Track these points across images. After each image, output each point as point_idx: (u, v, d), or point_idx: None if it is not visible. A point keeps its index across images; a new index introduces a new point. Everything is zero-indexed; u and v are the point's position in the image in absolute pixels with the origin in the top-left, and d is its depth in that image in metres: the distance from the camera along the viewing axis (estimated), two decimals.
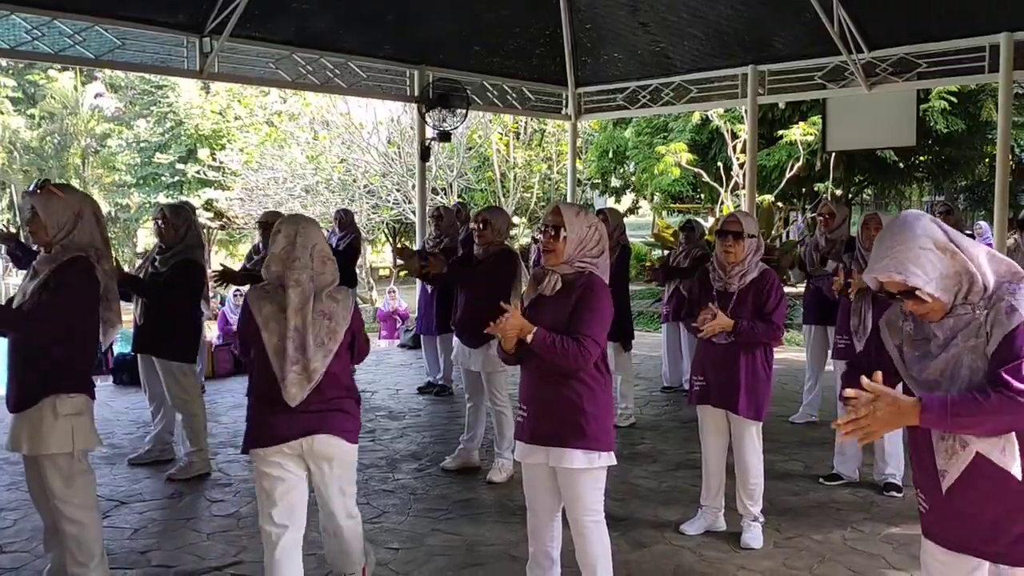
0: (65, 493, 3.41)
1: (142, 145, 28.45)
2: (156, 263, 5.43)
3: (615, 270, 6.64)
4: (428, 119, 10.44)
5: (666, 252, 14.09)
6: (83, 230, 3.45)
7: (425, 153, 10.90)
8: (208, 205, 27.00)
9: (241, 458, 5.87)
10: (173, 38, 8.59)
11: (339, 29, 9.56)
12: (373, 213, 22.04)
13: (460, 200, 17.09)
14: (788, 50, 10.05)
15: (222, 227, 29.08)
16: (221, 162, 24.66)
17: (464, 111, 10.67)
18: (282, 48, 9.29)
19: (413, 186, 21.44)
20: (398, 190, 21.45)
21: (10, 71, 34.99)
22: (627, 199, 31.55)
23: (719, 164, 15.49)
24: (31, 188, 3.44)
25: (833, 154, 13.99)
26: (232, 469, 5.62)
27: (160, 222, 5.44)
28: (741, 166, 14.32)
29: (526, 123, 22.16)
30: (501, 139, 22.45)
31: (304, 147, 21.64)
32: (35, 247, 6.40)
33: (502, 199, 22.49)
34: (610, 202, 36.36)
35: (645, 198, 33.31)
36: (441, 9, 9.99)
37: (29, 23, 7.70)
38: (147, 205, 27.77)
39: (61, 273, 3.35)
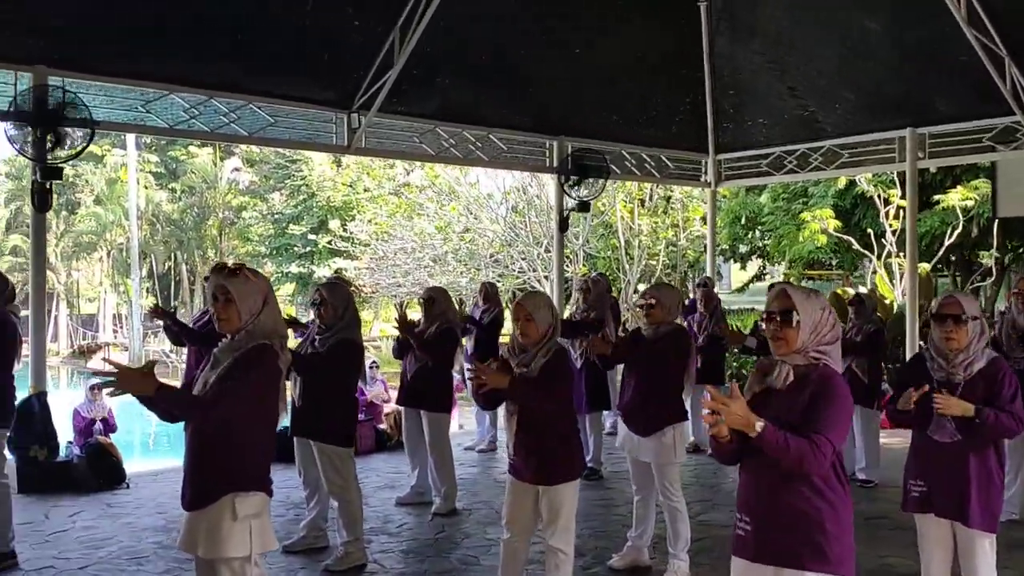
0: None
1: (276, 217, 29.48)
2: (315, 343, 5.29)
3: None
4: (567, 189, 10.26)
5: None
6: (268, 315, 3.28)
7: (563, 223, 10.69)
8: (338, 275, 27.66)
9: (396, 548, 5.61)
10: (322, 114, 8.72)
11: (481, 103, 9.55)
12: (498, 281, 22.01)
13: (600, 272, 16.69)
14: (952, 111, 9.46)
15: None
16: (351, 233, 25.23)
17: (603, 181, 10.45)
18: (426, 122, 9.32)
19: (538, 255, 21.39)
20: (523, 258, 21.39)
21: (153, 148, 37.12)
22: (753, 266, 30.66)
23: (866, 230, 14.71)
24: (223, 270, 3.27)
25: (996, 220, 13.09)
26: (388, 560, 5.35)
27: (318, 303, 5.30)
28: (894, 233, 13.55)
29: (652, 190, 21.84)
30: (625, 206, 22.19)
31: (432, 218, 21.89)
32: (203, 326, 6.41)
33: (626, 267, 22.13)
34: (734, 268, 35.48)
35: (773, 264, 32.28)
36: (582, 81, 9.89)
37: (187, 102, 7.92)
38: (280, 275, 28.59)
39: (246, 362, 3.16)
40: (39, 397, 6.99)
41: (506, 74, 9.39)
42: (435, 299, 6.64)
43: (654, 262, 22.82)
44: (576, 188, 10.11)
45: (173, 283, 37.71)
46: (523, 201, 21.31)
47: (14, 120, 6.84)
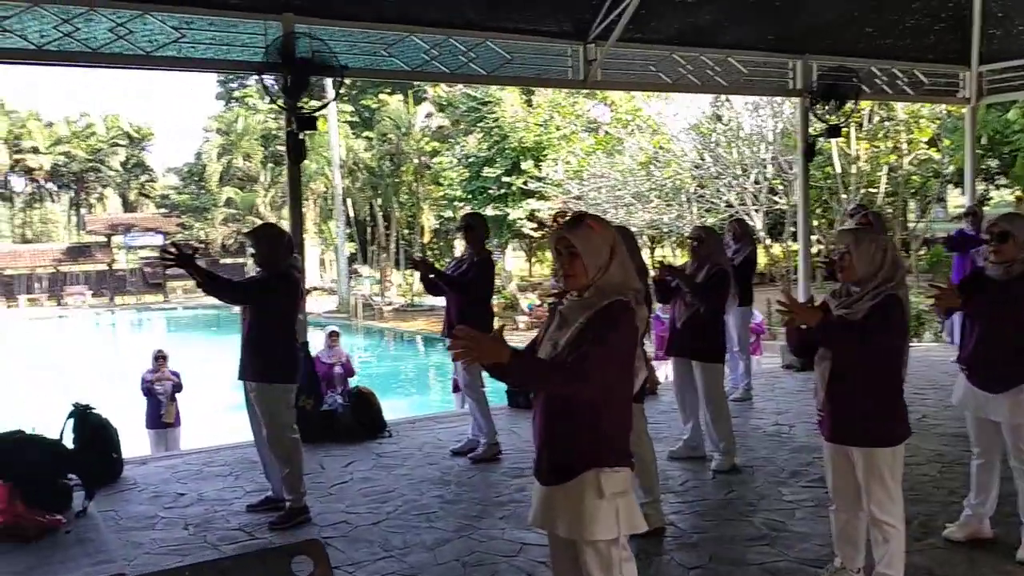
0: None
1: (470, 160, 29.64)
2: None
3: None
4: (815, 113, 9.41)
5: None
6: (617, 268, 2.89)
7: (810, 151, 9.82)
8: (531, 216, 27.56)
9: (687, 510, 5.22)
10: (557, 47, 8.30)
11: (722, 22, 8.80)
12: (704, 218, 21.15)
13: (861, 204, 15.25)
14: None
15: (543, 236, 29.64)
16: (545, 173, 24.98)
17: (853, 102, 9.51)
18: (662, 49, 8.71)
19: (748, 187, 20.31)
20: (730, 190, 20.40)
21: (346, 97, 38.21)
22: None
23: None
24: (569, 221, 2.91)
25: None
26: (684, 523, 4.97)
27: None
28: None
29: (872, 110, 20.14)
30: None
31: (635, 153, 21.21)
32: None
33: (842, 196, 20.69)
34: (954, 194, 32.80)
35: (998, 188, 29.48)
36: None
37: (426, 43, 7.69)
38: None
39: (604, 322, 2.79)
40: (303, 347, 7.05)
41: None
42: (703, 239, 6.12)
43: (873, 190, 21.23)
44: (827, 111, 9.25)
45: (369, 229, 38.98)
46: (729, 131, 20.23)
47: (269, 71, 6.81)
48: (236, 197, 40.68)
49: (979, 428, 4.49)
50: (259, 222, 38.51)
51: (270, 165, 39.78)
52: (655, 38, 8.51)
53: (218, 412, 13.70)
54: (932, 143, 20.27)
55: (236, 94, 44.32)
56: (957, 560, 4.34)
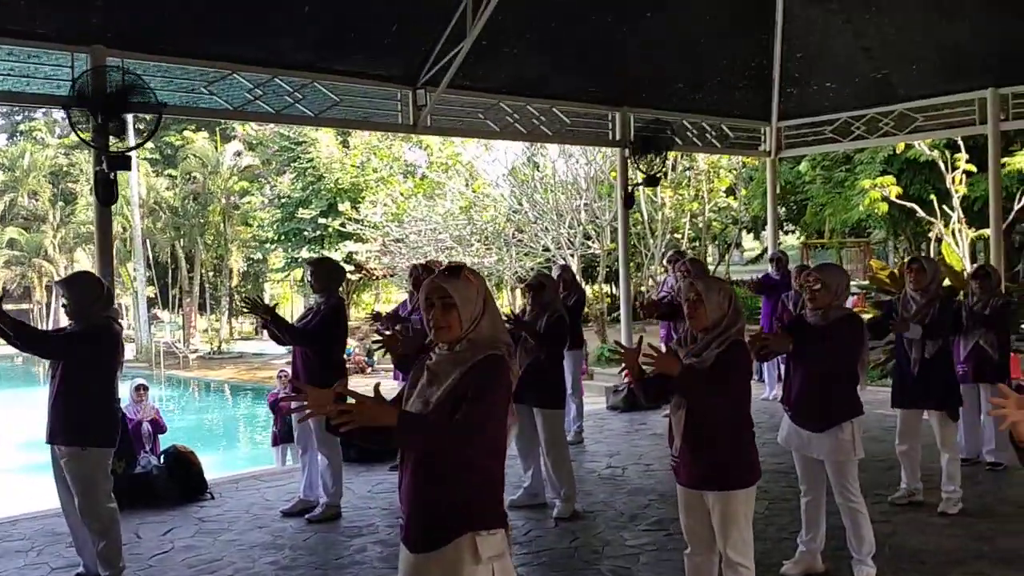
0: None
1: (283, 201, 28.79)
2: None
3: (943, 324, 5.77)
4: (633, 163, 9.82)
5: (889, 298, 12.94)
6: (488, 320, 2.79)
7: (629, 199, 10.20)
8: (349, 258, 27.04)
9: (534, 561, 5.14)
10: (386, 91, 8.21)
11: (548, 74, 9.04)
12: (522, 261, 21.53)
13: (676, 248, 15.54)
14: None
15: (360, 279, 29.17)
16: (364, 215, 24.64)
17: (662, 154, 10.01)
18: (490, 97, 8.82)
19: (563, 232, 20.86)
20: (547, 234, 20.88)
21: (145, 132, 36.22)
22: (765, 236, 30.45)
23: (927, 197, 14.19)
24: (446, 270, 2.77)
25: None
26: (533, 574, 4.89)
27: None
28: (964, 199, 13.11)
29: (677, 160, 21.30)
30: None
31: (456, 198, 21.33)
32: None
33: (650, 241, 21.68)
34: (748, 239, 35.09)
35: (786, 234, 31.83)
36: (650, 47, 9.35)
37: (250, 82, 7.38)
38: (290, 260, 27.94)
39: (479, 377, 2.67)
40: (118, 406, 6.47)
41: (573, 43, 8.86)
42: (545, 286, 6.15)
43: (678, 235, 22.37)
44: (643, 161, 9.66)
45: (171, 271, 36.91)
46: (544, 177, 20.77)
47: (76, 106, 6.27)
48: (20, 238, 37.43)
49: (804, 466, 4.71)
50: (47, 265, 35.69)
51: (60, 204, 36.97)
52: (483, 86, 8.61)
53: (14, 477, 12.34)
54: (730, 192, 21.65)
55: (22, 127, 41.09)
56: None
